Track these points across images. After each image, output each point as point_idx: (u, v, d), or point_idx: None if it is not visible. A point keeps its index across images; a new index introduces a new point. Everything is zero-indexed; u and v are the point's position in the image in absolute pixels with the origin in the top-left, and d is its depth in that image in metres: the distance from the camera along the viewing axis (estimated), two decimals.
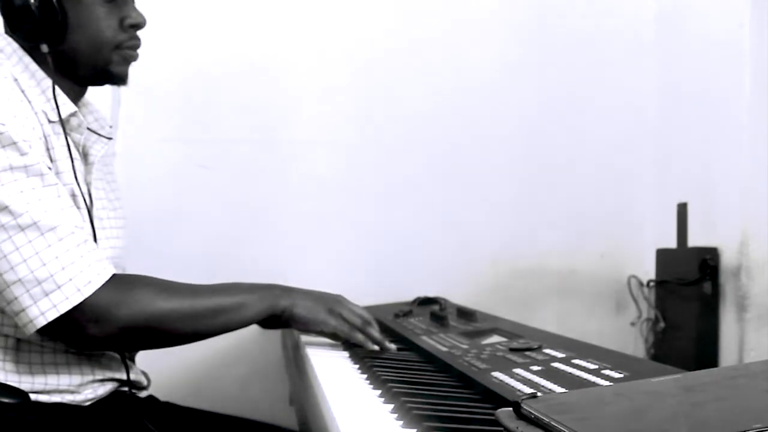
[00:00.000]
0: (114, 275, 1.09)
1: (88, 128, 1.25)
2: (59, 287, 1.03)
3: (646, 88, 2.14)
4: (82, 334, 1.07)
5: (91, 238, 1.12)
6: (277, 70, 2.04)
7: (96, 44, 1.18)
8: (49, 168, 1.09)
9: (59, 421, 1.14)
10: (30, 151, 1.05)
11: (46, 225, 1.04)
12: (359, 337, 1.21)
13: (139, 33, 1.24)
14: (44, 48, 1.13)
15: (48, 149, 1.11)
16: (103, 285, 1.06)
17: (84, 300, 1.05)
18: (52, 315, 1.03)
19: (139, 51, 1.24)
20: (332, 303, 1.23)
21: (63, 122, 1.14)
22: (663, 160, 2.10)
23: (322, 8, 2.07)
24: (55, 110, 1.14)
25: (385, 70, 2.08)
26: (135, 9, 1.22)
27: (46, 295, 1.03)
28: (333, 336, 1.24)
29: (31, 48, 1.16)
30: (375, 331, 1.23)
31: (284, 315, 1.20)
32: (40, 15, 1.11)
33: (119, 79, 1.24)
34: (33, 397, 1.11)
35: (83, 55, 1.18)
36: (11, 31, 1.15)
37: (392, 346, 1.23)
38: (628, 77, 2.15)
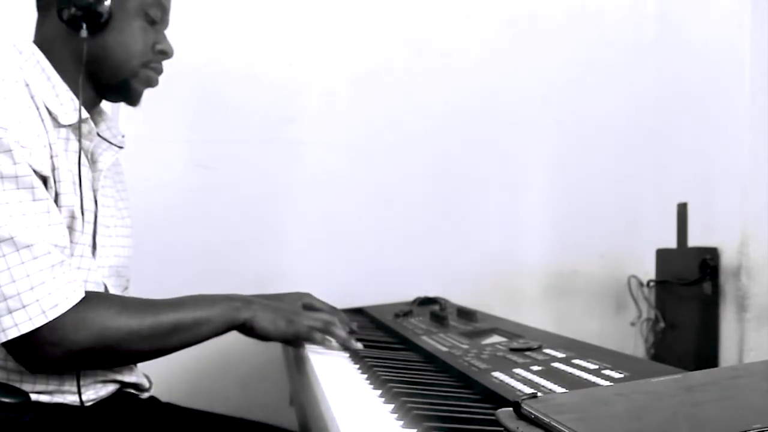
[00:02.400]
0: (83, 298, 1.06)
1: (99, 135, 1.25)
2: (24, 307, 1.01)
3: (646, 88, 2.14)
4: (39, 355, 1.05)
5: (69, 258, 1.09)
6: (278, 71, 2.05)
7: (127, 52, 1.20)
8: (45, 180, 1.08)
9: (61, 421, 1.14)
10: (24, 161, 1.04)
11: (22, 241, 1.01)
12: (317, 336, 1.20)
13: None
14: (83, 33, 1.15)
15: (51, 156, 1.10)
16: (68, 309, 1.04)
17: (47, 323, 1.02)
18: (13, 333, 1.01)
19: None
20: (291, 313, 1.21)
21: (81, 124, 1.15)
22: (663, 160, 2.10)
23: (323, 9, 2.07)
24: (68, 114, 1.14)
25: (385, 70, 2.08)
26: (167, 39, 1.27)
27: (10, 312, 1.00)
28: (295, 340, 1.22)
29: (55, 42, 1.17)
30: (339, 330, 1.21)
31: (244, 327, 1.18)
32: (93, 1, 1.14)
33: (135, 97, 1.26)
34: (35, 397, 1.11)
35: (112, 57, 1.20)
36: (58, 12, 1.15)
37: (358, 345, 1.21)
38: (628, 77, 2.16)
